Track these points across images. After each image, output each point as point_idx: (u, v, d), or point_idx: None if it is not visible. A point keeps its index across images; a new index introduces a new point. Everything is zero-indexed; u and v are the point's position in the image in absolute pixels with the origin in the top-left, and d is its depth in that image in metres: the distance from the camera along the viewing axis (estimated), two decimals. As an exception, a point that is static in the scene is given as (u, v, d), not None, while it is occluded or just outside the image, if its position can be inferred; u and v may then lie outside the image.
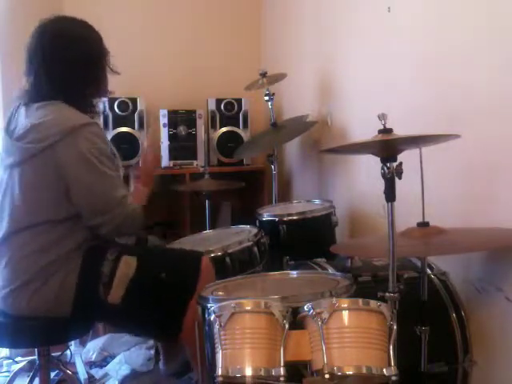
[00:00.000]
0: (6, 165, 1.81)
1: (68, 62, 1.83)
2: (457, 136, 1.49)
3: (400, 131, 1.43)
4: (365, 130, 1.60)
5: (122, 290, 1.79)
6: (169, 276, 1.84)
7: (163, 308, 1.81)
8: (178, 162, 3.29)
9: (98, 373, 2.56)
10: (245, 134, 3.38)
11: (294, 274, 1.82)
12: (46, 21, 1.88)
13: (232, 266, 2.05)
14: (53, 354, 1.98)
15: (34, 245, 1.77)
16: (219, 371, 1.28)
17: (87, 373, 2.55)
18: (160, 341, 2.33)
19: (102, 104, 2.90)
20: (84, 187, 1.77)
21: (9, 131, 1.83)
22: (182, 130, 3.30)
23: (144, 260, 1.86)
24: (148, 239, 2.20)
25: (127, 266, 1.82)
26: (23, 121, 1.81)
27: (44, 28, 1.86)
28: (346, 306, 1.31)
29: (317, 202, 2.60)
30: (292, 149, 3.32)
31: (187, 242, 2.34)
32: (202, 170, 3.04)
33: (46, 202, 1.78)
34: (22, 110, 1.85)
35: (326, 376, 1.24)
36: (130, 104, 3.18)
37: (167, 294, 1.82)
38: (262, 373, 1.27)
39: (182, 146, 3.30)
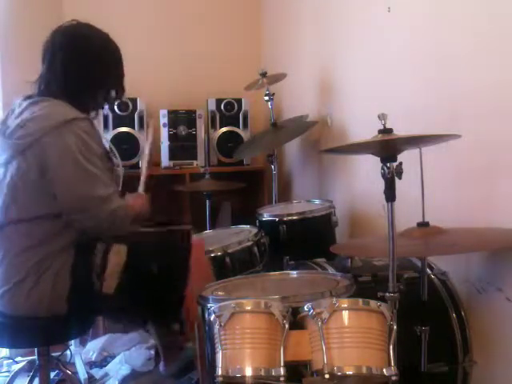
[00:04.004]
0: (1, 162, 1.81)
1: (77, 66, 1.85)
2: (457, 136, 1.49)
3: (400, 131, 1.43)
4: (365, 130, 1.60)
5: (115, 279, 1.79)
6: (160, 260, 1.83)
7: (158, 292, 1.81)
8: (178, 162, 3.29)
9: (98, 373, 2.56)
10: (245, 134, 3.38)
11: (294, 274, 1.82)
12: (64, 24, 1.90)
13: (232, 265, 2.05)
14: (53, 354, 1.98)
15: (26, 241, 1.77)
16: (219, 371, 1.28)
17: (87, 373, 2.54)
18: (158, 327, 2.31)
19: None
20: (65, 182, 1.75)
21: (3, 129, 1.83)
22: (182, 129, 3.30)
23: (133, 246, 1.85)
24: None
25: (118, 254, 1.82)
26: (14, 118, 1.81)
27: (60, 31, 1.89)
28: (346, 306, 1.31)
29: (317, 201, 2.60)
30: (292, 149, 3.32)
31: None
32: (202, 170, 3.04)
33: (35, 198, 1.77)
34: (16, 107, 1.85)
35: (326, 376, 1.24)
36: (130, 104, 3.18)
37: (160, 279, 1.81)
38: (262, 373, 1.27)
39: (182, 146, 3.31)
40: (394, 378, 1.26)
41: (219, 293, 1.64)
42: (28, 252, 1.77)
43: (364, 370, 1.25)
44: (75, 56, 1.86)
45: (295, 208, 2.58)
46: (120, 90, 1.99)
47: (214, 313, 1.33)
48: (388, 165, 1.41)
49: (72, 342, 2.64)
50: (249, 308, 1.33)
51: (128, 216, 1.87)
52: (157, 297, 1.81)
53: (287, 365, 1.29)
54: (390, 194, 1.43)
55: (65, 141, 1.74)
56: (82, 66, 1.86)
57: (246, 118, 3.40)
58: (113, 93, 1.98)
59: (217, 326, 1.31)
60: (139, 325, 2.21)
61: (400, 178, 1.42)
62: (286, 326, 1.31)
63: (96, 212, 1.78)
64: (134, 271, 1.82)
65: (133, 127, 3.20)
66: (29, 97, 1.85)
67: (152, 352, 2.58)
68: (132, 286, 1.81)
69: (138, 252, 1.87)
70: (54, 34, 1.88)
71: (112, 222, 1.81)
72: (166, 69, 3.49)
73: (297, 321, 1.36)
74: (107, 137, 3.09)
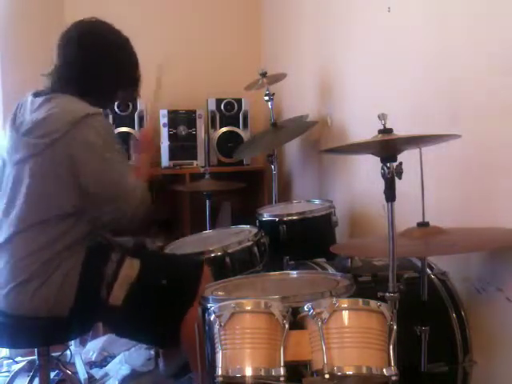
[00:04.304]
0: (15, 161, 1.79)
1: (91, 62, 1.85)
2: (457, 136, 1.49)
3: (400, 131, 1.43)
4: (365, 130, 1.60)
5: (123, 292, 1.79)
6: (170, 282, 1.83)
7: (162, 313, 1.81)
8: (178, 162, 3.29)
9: (98, 373, 2.57)
10: (245, 134, 3.38)
11: (294, 274, 1.82)
12: (84, 19, 1.91)
13: (232, 265, 2.05)
14: (53, 354, 1.98)
15: (35, 243, 1.76)
16: (219, 371, 1.28)
17: (87, 373, 2.55)
18: (157, 347, 2.31)
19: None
20: (95, 176, 1.77)
21: (15, 126, 1.82)
22: (182, 129, 3.30)
23: (147, 263, 1.86)
24: (146, 243, 2.19)
25: (130, 267, 1.82)
26: (29, 115, 1.80)
27: (79, 26, 1.89)
28: (346, 306, 1.31)
29: (317, 201, 2.59)
30: (292, 149, 3.32)
31: (187, 242, 2.34)
32: (202, 170, 3.04)
33: (53, 198, 1.76)
34: (28, 103, 1.84)
35: (326, 376, 1.24)
36: (130, 104, 3.18)
37: (167, 300, 1.81)
38: (262, 373, 1.27)
39: (182, 146, 3.31)
40: (393, 378, 1.26)
41: (219, 293, 1.63)
42: (33, 255, 1.76)
43: (364, 370, 1.25)
44: (90, 52, 1.86)
45: (295, 208, 2.58)
46: (134, 91, 2.01)
47: (214, 313, 1.33)
48: (388, 165, 1.41)
49: (72, 342, 2.64)
50: (249, 308, 1.33)
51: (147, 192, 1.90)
52: (161, 313, 1.81)
53: (287, 365, 1.28)
54: (390, 193, 1.43)
55: (86, 136, 1.75)
56: (97, 62, 1.86)
57: (246, 117, 3.40)
58: (126, 93, 1.99)
59: (217, 326, 1.31)
60: (139, 339, 2.19)
61: (400, 178, 1.42)
62: (286, 326, 1.31)
63: (128, 199, 1.81)
64: (144, 285, 1.82)
65: (133, 127, 3.20)
66: (39, 93, 1.84)
67: (152, 352, 2.58)
68: (139, 300, 1.80)
69: (151, 267, 1.87)
70: (72, 29, 1.88)
71: (143, 202, 1.85)
72: (165, 69, 3.48)
73: (297, 321, 1.36)
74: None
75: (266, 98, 2.89)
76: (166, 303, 1.81)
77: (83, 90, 1.84)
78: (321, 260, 1.99)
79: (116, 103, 2.21)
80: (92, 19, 1.91)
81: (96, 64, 1.86)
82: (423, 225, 1.61)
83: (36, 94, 1.85)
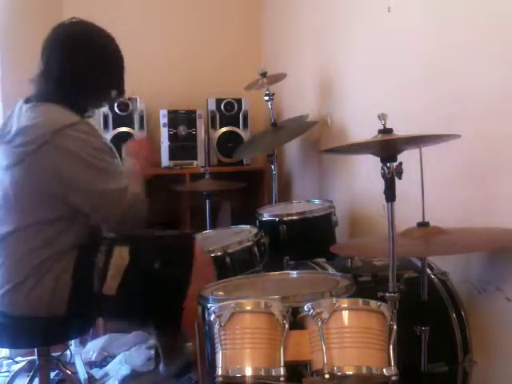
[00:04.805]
0: (2, 167, 1.81)
1: (78, 64, 1.83)
2: (457, 136, 1.49)
3: (400, 131, 1.43)
4: (365, 130, 1.60)
5: (116, 281, 1.79)
6: (163, 263, 1.83)
7: (160, 295, 1.81)
8: (178, 162, 3.29)
9: (98, 373, 2.56)
10: (245, 134, 3.38)
11: (294, 274, 1.82)
12: (65, 21, 1.89)
13: (232, 265, 2.04)
14: (53, 354, 1.98)
15: (27, 245, 1.77)
16: (219, 371, 1.27)
17: (87, 373, 2.54)
18: (158, 329, 2.30)
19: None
20: (79, 184, 1.76)
21: (4, 133, 1.83)
22: (182, 130, 3.30)
23: (136, 249, 1.86)
24: None
25: (120, 256, 1.82)
26: (15, 123, 1.80)
27: (61, 28, 1.88)
28: (346, 306, 1.31)
29: (317, 201, 2.60)
30: (292, 149, 3.32)
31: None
32: (202, 170, 3.04)
33: (38, 204, 1.77)
34: (17, 110, 1.84)
35: (326, 376, 1.24)
36: (130, 104, 3.19)
37: (164, 280, 1.81)
38: (262, 373, 1.27)
39: (182, 146, 3.31)
40: (393, 378, 1.26)
41: (219, 293, 1.63)
42: (30, 255, 1.77)
43: (364, 370, 1.25)
44: (73, 54, 1.83)
45: (295, 208, 2.58)
46: (119, 90, 1.98)
47: (214, 313, 1.33)
48: (388, 165, 1.41)
49: (72, 341, 2.64)
50: (249, 308, 1.33)
51: (143, 201, 1.88)
52: (159, 297, 1.81)
53: (287, 365, 1.28)
54: (390, 193, 1.43)
55: (65, 145, 1.73)
56: (80, 64, 1.83)
57: (246, 117, 3.40)
58: (112, 93, 1.98)
59: (217, 326, 1.31)
60: (139, 324, 2.20)
61: (400, 178, 1.42)
62: (286, 326, 1.31)
63: (116, 204, 1.79)
64: (137, 271, 1.82)
65: (133, 127, 3.21)
66: (28, 99, 1.84)
67: (152, 352, 2.59)
68: (134, 286, 1.81)
69: (141, 252, 1.87)
70: (54, 31, 1.87)
71: (135, 207, 1.83)
72: (166, 69, 3.49)
73: (297, 321, 1.36)
74: (107, 137, 3.09)
75: (266, 98, 2.89)
76: (164, 284, 1.81)
77: (67, 94, 1.82)
78: (321, 260, 1.99)
79: (107, 103, 2.18)
80: (73, 20, 1.89)
81: (79, 65, 1.83)
82: (423, 225, 1.61)
83: (26, 101, 1.84)
